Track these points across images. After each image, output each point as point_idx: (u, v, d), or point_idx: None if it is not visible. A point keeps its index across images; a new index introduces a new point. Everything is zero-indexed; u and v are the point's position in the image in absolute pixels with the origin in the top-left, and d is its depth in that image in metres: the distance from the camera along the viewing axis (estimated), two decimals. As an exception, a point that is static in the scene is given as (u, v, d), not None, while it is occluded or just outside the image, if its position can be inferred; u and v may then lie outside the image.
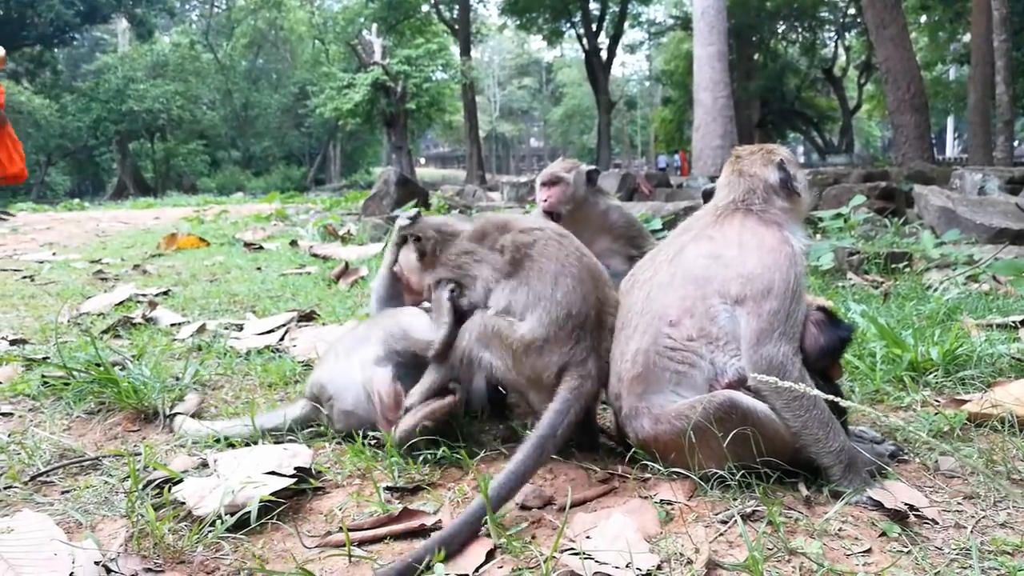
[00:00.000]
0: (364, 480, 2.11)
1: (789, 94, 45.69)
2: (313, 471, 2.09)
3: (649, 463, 2.10)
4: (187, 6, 56.45)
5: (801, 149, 62.64)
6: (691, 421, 1.97)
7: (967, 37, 31.39)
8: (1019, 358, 2.91)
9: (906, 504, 1.85)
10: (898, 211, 10.11)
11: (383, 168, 17.42)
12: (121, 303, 4.70)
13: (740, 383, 2.03)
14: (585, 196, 3.41)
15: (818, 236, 7.21)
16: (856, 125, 53.08)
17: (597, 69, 42.37)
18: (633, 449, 2.16)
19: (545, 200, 3.35)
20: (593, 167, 3.49)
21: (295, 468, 2.03)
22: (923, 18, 40.56)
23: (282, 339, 3.66)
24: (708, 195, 2.39)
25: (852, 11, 40.59)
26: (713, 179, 14.62)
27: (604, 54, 43.36)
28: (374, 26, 36.83)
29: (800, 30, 45.63)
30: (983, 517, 1.83)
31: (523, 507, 1.95)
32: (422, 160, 71.14)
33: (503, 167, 77.54)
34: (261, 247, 7.85)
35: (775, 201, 2.20)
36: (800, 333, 2.03)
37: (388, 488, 2.05)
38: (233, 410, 2.69)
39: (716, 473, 1.99)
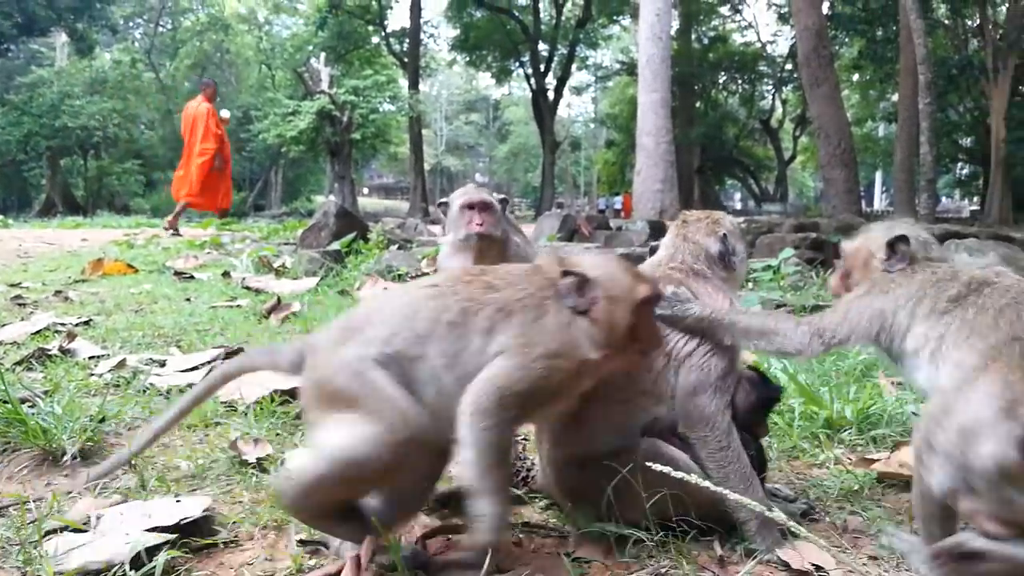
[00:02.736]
0: (280, 533, 2.07)
1: (728, 142, 46.99)
2: (211, 524, 2.02)
3: (572, 518, 2.12)
4: (131, 24, 55.46)
5: (738, 196, 64.40)
6: (618, 467, 2.01)
7: (895, 97, 32.79)
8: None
9: (813, 565, 1.90)
10: (826, 262, 10.44)
11: (324, 198, 17.27)
12: (38, 332, 4.52)
13: (671, 431, 2.10)
14: (502, 226, 3.36)
15: (750, 285, 7.38)
16: (791, 175, 54.83)
17: (543, 109, 43.00)
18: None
19: (480, 224, 3.24)
20: (503, 196, 3.51)
21: (182, 522, 1.94)
22: (856, 76, 42.40)
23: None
24: (654, 250, 2.48)
25: (789, 66, 42.12)
26: (652, 223, 14.91)
27: (551, 94, 44.06)
28: (322, 55, 36.79)
29: (740, 82, 47.14)
30: (883, 578, 1.89)
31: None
32: (365, 190, 70.81)
33: (447, 201, 77.52)
34: (192, 276, 7.66)
35: (715, 269, 2.31)
36: (733, 390, 2.10)
37: (302, 542, 2.00)
38: (149, 454, 2.60)
39: (633, 531, 2.01)
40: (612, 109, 49.57)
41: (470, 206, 3.27)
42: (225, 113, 16.53)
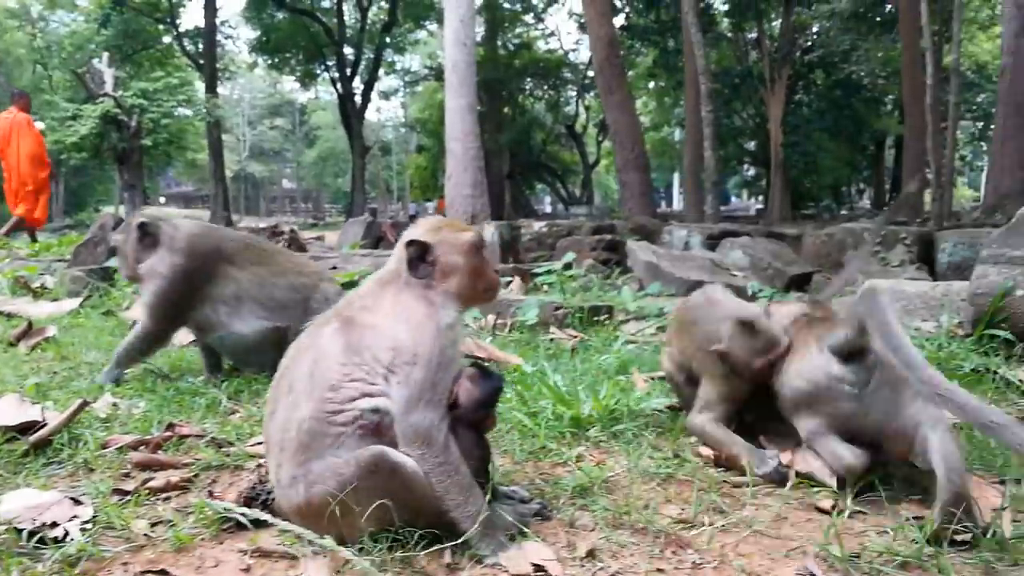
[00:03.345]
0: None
1: (536, 147, 48.30)
2: None
3: (304, 537, 2.07)
4: None
5: (548, 200, 66.39)
6: (344, 478, 2.00)
7: (686, 104, 35.05)
8: (669, 408, 3.21)
9: (534, 564, 1.96)
10: (622, 263, 10.99)
11: (114, 208, 16.32)
12: None
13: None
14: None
15: (545, 288, 7.60)
16: (596, 179, 57.23)
17: (351, 113, 42.29)
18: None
19: None
20: (144, 220, 3.56)
21: None
22: (652, 84, 44.95)
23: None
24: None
25: (591, 73, 43.96)
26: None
27: (358, 99, 43.43)
28: (105, 55, 34.17)
29: (545, 88, 48.57)
30: (599, 570, 1.97)
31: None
32: (162, 199, 66.67)
33: (253, 208, 74.61)
34: (-67, 302, 6.86)
35: (427, 277, 2.24)
36: (447, 399, 2.11)
37: None
38: None
39: (363, 542, 2.01)
40: (422, 114, 49.58)
41: None
42: (40, 124, 16.63)
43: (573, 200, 51.01)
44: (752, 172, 49.18)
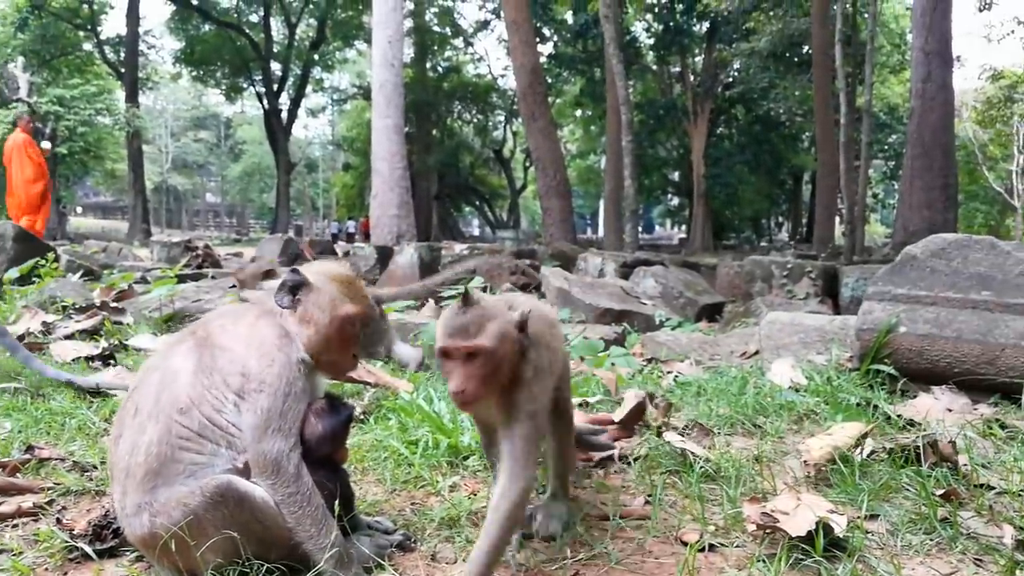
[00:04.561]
0: None
1: (464, 170, 48.48)
2: None
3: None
4: None
5: (476, 223, 66.59)
6: (189, 508, 1.91)
7: (613, 133, 35.70)
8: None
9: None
10: (539, 286, 11.03)
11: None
12: None
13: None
14: None
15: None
16: (523, 203, 57.68)
17: (277, 129, 41.76)
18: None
19: None
20: None
21: None
22: (579, 112, 45.68)
23: None
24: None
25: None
26: (380, 248, 14.90)
27: (285, 115, 42.91)
28: (20, 59, 32.98)
29: (474, 112, 48.89)
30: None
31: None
32: (79, 209, 64.38)
33: (175, 221, 72.74)
34: None
35: (288, 308, 2.17)
36: (298, 427, 2.04)
37: None
38: None
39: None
40: (349, 132, 49.29)
41: None
42: (46, 144, 18.33)
43: (500, 224, 51.29)
44: (676, 202, 50.28)
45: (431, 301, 8.32)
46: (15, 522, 2.40)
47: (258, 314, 2.17)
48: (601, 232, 64.75)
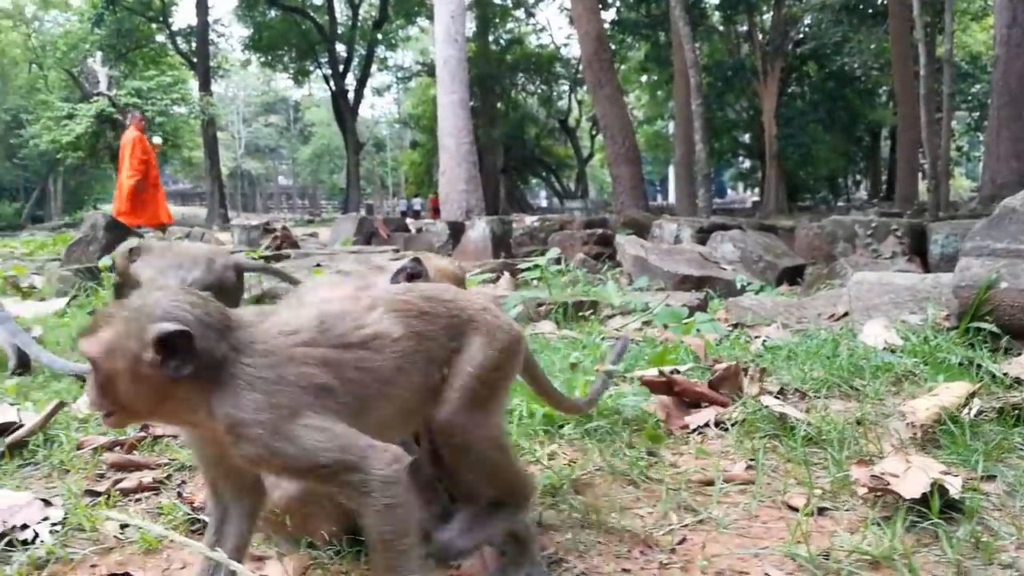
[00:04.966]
0: None
1: (530, 142, 48.28)
2: None
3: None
4: None
5: (544, 194, 66.37)
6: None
7: (681, 97, 35.01)
8: (641, 411, 3.17)
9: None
10: (614, 255, 10.95)
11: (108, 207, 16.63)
12: None
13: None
14: None
15: (535, 283, 7.55)
16: (590, 172, 57.21)
17: (344, 110, 42.25)
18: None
19: None
20: None
21: None
22: (644, 78, 44.87)
23: None
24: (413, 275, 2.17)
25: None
26: (452, 224, 14.99)
27: (351, 95, 43.37)
28: (99, 54, 34.11)
29: (538, 83, 48.52)
30: (564, 570, 1.95)
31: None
32: (159, 197, 66.62)
33: (250, 205, 74.59)
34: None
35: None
36: None
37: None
38: None
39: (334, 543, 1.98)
40: (415, 110, 49.54)
41: None
42: (157, 139, 19.37)
43: (568, 194, 51.05)
44: (747, 164, 49.12)
45: (507, 273, 8.36)
46: (138, 496, 2.52)
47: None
48: (672, 198, 63.88)
